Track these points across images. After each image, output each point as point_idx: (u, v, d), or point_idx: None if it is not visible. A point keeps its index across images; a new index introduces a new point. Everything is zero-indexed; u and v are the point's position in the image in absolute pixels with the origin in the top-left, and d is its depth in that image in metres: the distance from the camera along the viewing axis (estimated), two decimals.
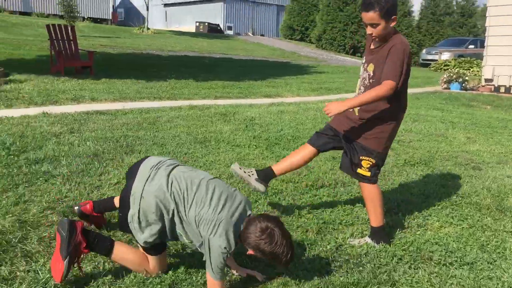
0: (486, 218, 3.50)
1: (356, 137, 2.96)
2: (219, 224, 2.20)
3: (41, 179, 3.66)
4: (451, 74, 12.55)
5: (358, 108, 2.90)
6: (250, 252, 2.28)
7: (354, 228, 3.20)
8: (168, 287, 2.36)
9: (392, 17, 2.72)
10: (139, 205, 2.27)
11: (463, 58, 19.67)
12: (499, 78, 11.87)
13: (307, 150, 3.23)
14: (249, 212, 2.35)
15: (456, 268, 2.68)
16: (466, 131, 6.83)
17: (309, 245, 2.90)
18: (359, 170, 2.96)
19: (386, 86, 2.67)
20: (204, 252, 2.25)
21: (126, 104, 7.10)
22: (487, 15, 12.15)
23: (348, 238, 3.03)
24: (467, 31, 32.83)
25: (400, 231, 3.20)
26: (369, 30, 2.75)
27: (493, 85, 12.03)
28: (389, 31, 2.76)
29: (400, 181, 4.34)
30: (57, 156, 4.22)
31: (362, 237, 3.06)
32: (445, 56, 21.17)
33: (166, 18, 45.82)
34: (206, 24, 36.01)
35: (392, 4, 2.70)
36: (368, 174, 2.93)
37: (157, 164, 2.39)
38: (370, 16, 2.69)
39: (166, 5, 44.88)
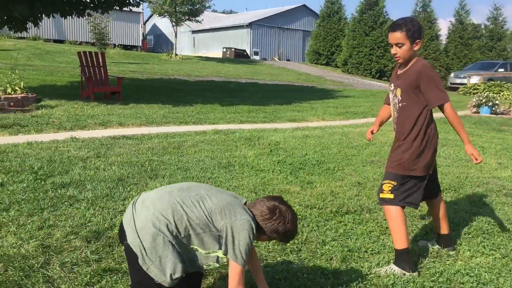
0: None
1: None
2: (233, 206, 2.16)
3: (66, 203, 3.70)
4: (481, 98, 12.31)
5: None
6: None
7: (380, 257, 3.10)
8: None
9: (417, 41, 2.84)
10: (141, 245, 2.11)
11: (492, 82, 19.32)
12: None
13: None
14: (243, 199, 2.32)
15: None
16: (497, 156, 6.63)
17: (333, 274, 2.81)
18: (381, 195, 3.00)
19: (450, 109, 2.85)
20: (225, 244, 2.12)
21: (152, 128, 7.19)
22: None
23: (374, 267, 2.94)
24: (497, 54, 32.35)
25: (429, 261, 3.08)
26: (394, 50, 2.88)
27: None
28: (412, 53, 2.87)
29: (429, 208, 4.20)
30: (83, 181, 4.27)
31: (388, 265, 2.96)
32: (474, 79, 20.82)
33: (194, 44, 46.76)
34: (233, 49, 36.56)
35: (418, 28, 2.83)
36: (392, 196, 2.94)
37: (131, 206, 2.27)
38: (397, 36, 2.83)
39: (194, 31, 45.82)
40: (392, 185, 2.92)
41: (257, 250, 3.03)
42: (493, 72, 22.04)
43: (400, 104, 2.94)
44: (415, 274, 2.87)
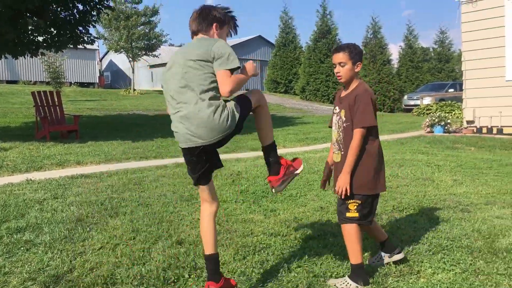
0: (479, 261, 3.45)
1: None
2: None
3: (22, 248, 3.56)
4: (434, 118, 12.78)
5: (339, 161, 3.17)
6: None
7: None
8: None
9: (358, 63, 3.11)
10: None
11: (444, 102, 20.13)
12: (480, 119, 12.11)
13: None
14: None
15: None
16: (452, 173, 6.86)
17: None
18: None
19: (356, 135, 3.00)
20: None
21: (111, 165, 7.07)
22: (462, 59, 12.56)
23: (328, 278, 2.96)
24: (446, 75, 33.86)
25: (393, 280, 3.13)
26: (337, 69, 3.13)
27: (475, 126, 12.25)
28: (353, 74, 3.13)
29: (389, 228, 4.29)
30: (40, 224, 4.13)
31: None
32: (427, 100, 21.65)
33: (152, 78, 46.68)
34: None
35: (359, 51, 3.13)
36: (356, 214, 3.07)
37: None
38: (340, 56, 3.10)
39: (152, 66, 45.81)
40: (357, 204, 3.05)
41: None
42: (444, 93, 23.00)
43: (344, 124, 3.11)
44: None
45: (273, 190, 3.11)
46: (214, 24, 2.88)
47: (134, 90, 29.07)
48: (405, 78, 30.39)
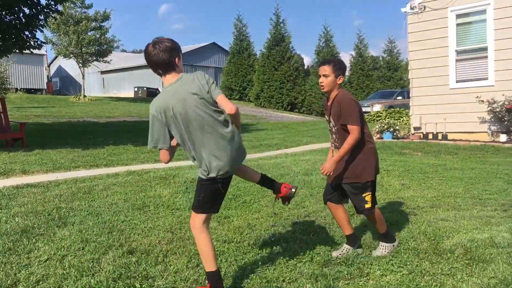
0: (424, 262, 3.58)
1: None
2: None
3: None
4: (383, 125, 13.17)
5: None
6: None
7: (297, 284, 3.16)
8: None
9: (340, 76, 3.58)
10: None
11: (393, 109, 20.80)
12: (426, 125, 12.59)
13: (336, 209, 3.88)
14: None
15: None
16: (400, 178, 7.09)
17: None
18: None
19: (353, 132, 3.47)
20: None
21: (60, 174, 6.84)
22: (409, 68, 13.04)
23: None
24: (395, 83, 35.02)
25: (344, 283, 3.19)
26: (321, 79, 3.58)
27: (422, 132, 12.72)
28: (334, 85, 3.58)
29: (340, 233, 4.38)
30: None
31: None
32: (377, 108, 22.29)
33: (104, 84, 45.66)
34: (145, 88, 36.16)
35: (343, 67, 3.62)
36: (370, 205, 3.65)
37: None
38: (325, 68, 3.56)
39: (103, 72, 44.83)
40: (369, 195, 3.63)
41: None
42: (393, 100, 23.78)
43: (335, 127, 3.62)
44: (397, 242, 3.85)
45: (287, 201, 3.50)
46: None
47: (85, 96, 28.31)
48: (356, 85, 31.24)
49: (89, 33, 28.26)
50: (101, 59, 29.41)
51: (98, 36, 28.66)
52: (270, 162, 8.42)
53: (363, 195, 3.61)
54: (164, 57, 2.83)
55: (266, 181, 3.43)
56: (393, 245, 3.81)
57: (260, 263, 3.55)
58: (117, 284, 3.07)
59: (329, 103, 3.68)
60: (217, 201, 3.07)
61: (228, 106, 2.84)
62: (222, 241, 4.02)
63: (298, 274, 3.37)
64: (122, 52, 53.36)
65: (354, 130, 3.47)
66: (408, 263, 3.56)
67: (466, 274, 3.32)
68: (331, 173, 3.52)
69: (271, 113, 27.07)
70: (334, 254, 3.76)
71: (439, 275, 3.31)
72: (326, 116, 3.80)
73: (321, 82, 3.59)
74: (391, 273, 3.37)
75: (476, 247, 3.89)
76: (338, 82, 3.57)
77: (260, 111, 27.55)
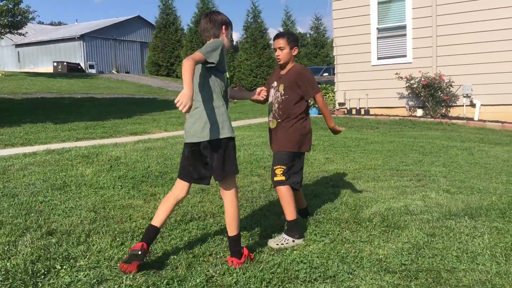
0: (345, 231, 3.75)
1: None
2: None
3: None
4: (309, 101, 13.47)
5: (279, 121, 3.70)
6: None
7: (225, 259, 3.19)
8: None
9: (294, 48, 3.71)
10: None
11: (319, 85, 21.28)
12: (350, 101, 13.06)
13: None
14: None
15: (320, 283, 2.80)
16: (325, 152, 7.33)
17: (179, 281, 2.81)
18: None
19: (319, 100, 3.73)
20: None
21: None
22: (334, 45, 13.38)
23: (217, 268, 3.01)
24: (321, 60, 35.82)
25: (269, 255, 3.27)
26: (277, 53, 3.70)
27: (346, 108, 13.19)
28: (290, 57, 3.71)
29: (267, 206, 4.47)
30: None
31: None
32: None
33: (19, 59, 42.76)
34: (65, 63, 34.29)
35: (296, 38, 3.75)
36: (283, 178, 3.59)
37: None
38: (280, 41, 3.67)
39: (18, 45, 41.93)
40: (282, 169, 3.58)
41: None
42: (319, 76, 24.32)
43: (283, 97, 3.66)
44: (301, 240, 3.51)
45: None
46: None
47: None
48: None
49: (1, 3, 26.13)
50: (15, 32, 27.40)
51: (11, 6, 26.57)
52: None
53: (275, 167, 3.61)
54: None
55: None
56: (294, 242, 3.46)
57: (186, 238, 3.54)
58: (36, 266, 2.93)
59: (283, 72, 3.74)
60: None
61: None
62: (148, 219, 3.95)
63: (225, 248, 3.40)
64: (39, 24, 50.05)
65: (319, 97, 3.70)
66: (330, 232, 3.71)
67: (383, 240, 3.53)
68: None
69: None
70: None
71: (358, 243, 3.49)
72: (271, 85, 3.79)
73: (277, 56, 3.69)
74: (314, 242, 3.50)
75: (392, 215, 4.13)
76: (293, 54, 3.70)
77: None
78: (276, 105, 3.70)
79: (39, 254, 3.12)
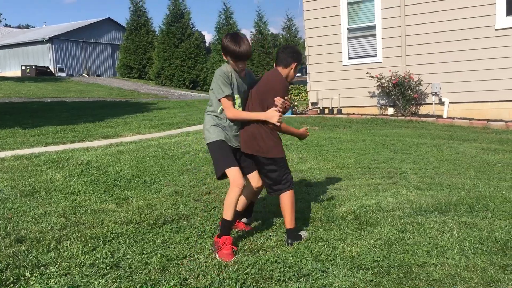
0: (319, 229, 3.78)
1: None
2: None
3: None
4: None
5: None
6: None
7: (198, 261, 3.17)
8: None
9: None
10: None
11: (292, 85, 21.43)
12: (322, 101, 13.17)
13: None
14: None
15: (294, 282, 2.82)
16: (298, 151, 7.37)
17: (152, 285, 2.79)
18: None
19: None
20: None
21: None
22: (305, 46, 13.47)
23: (191, 271, 2.99)
24: None
25: (244, 255, 3.27)
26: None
27: (319, 108, 13.30)
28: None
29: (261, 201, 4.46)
30: None
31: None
32: None
33: None
34: (34, 67, 33.55)
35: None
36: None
37: None
38: None
39: None
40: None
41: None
42: None
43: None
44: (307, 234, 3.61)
45: None
46: None
47: None
48: (257, 63, 31.61)
49: None
50: None
51: None
52: (172, 141, 8.30)
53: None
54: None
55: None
56: (302, 238, 3.58)
57: (159, 242, 3.51)
58: (4, 275, 2.86)
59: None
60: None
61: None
62: (121, 223, 3.90)
63: (199, 250, 3.39)
64: (6, 27, 48.82)
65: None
66: (304, 231, 3.73)
67: (356, 237, 3.57)
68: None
69: (172, 91, 26.58)
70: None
71: (331, 241, 3.52)
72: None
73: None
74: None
75: (365, 212, 4.19)
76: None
77: (162, 89, 26.92)
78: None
79: (8, 262, 3.04)
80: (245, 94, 3.60)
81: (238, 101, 3.54)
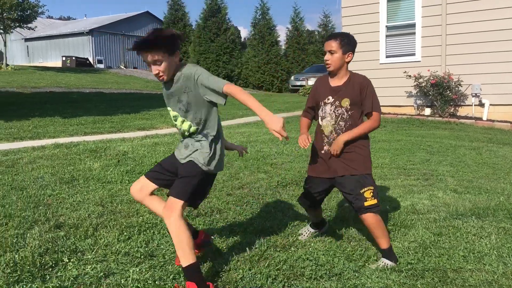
0: (352, 229, 3.75)
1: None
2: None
3: None
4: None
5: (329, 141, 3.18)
6: None
7: (231, 254, 3.20)
8: None
9: (349, 53, 3.09)
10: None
11: None
12: None
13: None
14: None
15: (325, 280, 2.81)
16: None
17: (185, 276, 2.82)
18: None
19: (377, 117, 3.13)
20: None
21: None
22: None
23: (223, 264, 3.02)
24: None
25: (275, 251, 3.28)
26: (326, 57, 3.11)
27: None
28: (342, 63, 3.10)
29: (274, 203, 4.47)
30: None
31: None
32: (312, 81, 22.67)
33: (28, 53, 43.01)
34: (74, 58, 34.43)
35: (352, 42, 3.11)
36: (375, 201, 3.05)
37: None
38: (331, 44, 3.06)
39: (27, 39, 42.17)
40: (371, 190, 3.03)
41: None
42: (327, 74, 24.25)
43: (349, 112, 3.11)
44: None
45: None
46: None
47: (7, 65, 26.54)
48: (292, 59, 31.48)
49: None
50: (25, 26, 27.57)
51: (20, 0, 26.74)
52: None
53: (363, 190, 3.03)
54: None
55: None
56: (392, 263, 3.08)
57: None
58: (43, 259, 2.96)
59: (335, 84, 3.18)
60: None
61: None
62: (154, 214, 3.96)
63: (231, 243, 3.41)
64: (49, 18, 50.26)
65: (376, 117, 3.13)
66: (337, 230, 3.71)
67: (389, 239, 3.52)
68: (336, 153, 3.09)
69: None
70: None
71: (364, 241, 3.49)
72: (327, 99, 3.20)
73: (326, 61, 3.10)
74: (319, 240, 3.50)
75: (399, 214, 4.13)
76: (347, 60, 3.09)
77: None
78: (341, 123, 3.13)
79: (47, 247, 3.15)
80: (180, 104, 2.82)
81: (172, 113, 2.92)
